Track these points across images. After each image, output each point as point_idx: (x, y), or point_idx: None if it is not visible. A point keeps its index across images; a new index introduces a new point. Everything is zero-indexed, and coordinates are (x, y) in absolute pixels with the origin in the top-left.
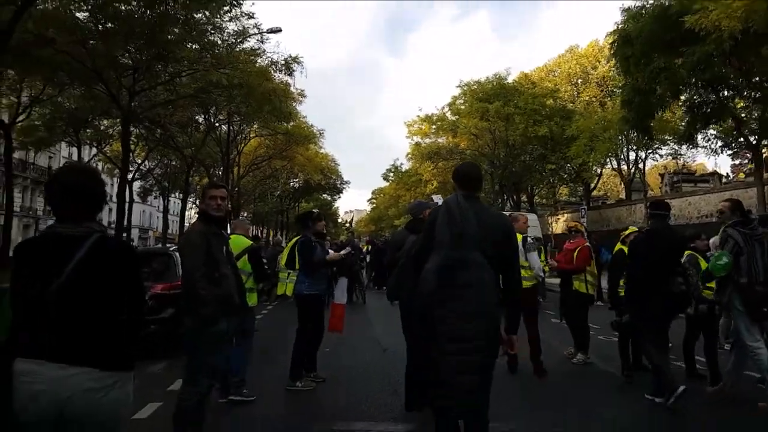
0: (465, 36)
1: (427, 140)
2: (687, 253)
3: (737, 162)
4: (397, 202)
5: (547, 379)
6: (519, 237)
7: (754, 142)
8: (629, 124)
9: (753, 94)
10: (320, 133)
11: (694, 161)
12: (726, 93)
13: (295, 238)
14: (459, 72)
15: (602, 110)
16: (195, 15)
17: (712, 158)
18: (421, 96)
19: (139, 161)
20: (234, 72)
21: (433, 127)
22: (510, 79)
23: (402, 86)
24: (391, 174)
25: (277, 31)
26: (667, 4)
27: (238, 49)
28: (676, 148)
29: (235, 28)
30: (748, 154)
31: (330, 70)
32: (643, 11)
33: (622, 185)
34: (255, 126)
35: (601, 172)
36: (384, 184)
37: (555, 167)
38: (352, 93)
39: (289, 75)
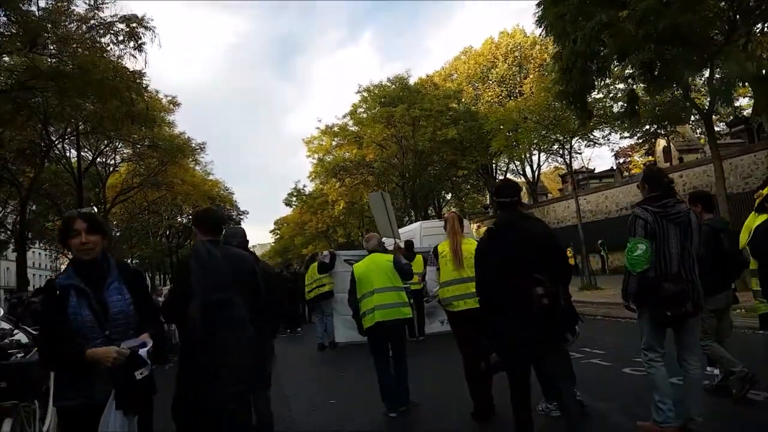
0: (352, 60)
1: (330, 157)
2: None
3: (621, 161)
4: (303, 229)
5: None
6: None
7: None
8: (568, 97)
9: (703, 53)
10: (200, 148)
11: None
12: (679, 50)
13: None
14: (349, 99)
15: (504, 110)
16: None
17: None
18: (318, 117)
19: None
20: (61, 54)
21: (336, 139)
22: (411, 81)
23: (296, 112)
24: (294, 198)
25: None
26: None
27: (63, 20)
28: (581, 142)
29: None
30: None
31: (212, 93)
32: None
33: (527, 190)
34: (120, 147)
35: (505, 175)
36: (287, 211)
37: (467, 172)
38: (245, 120)
39: (137, 49)
